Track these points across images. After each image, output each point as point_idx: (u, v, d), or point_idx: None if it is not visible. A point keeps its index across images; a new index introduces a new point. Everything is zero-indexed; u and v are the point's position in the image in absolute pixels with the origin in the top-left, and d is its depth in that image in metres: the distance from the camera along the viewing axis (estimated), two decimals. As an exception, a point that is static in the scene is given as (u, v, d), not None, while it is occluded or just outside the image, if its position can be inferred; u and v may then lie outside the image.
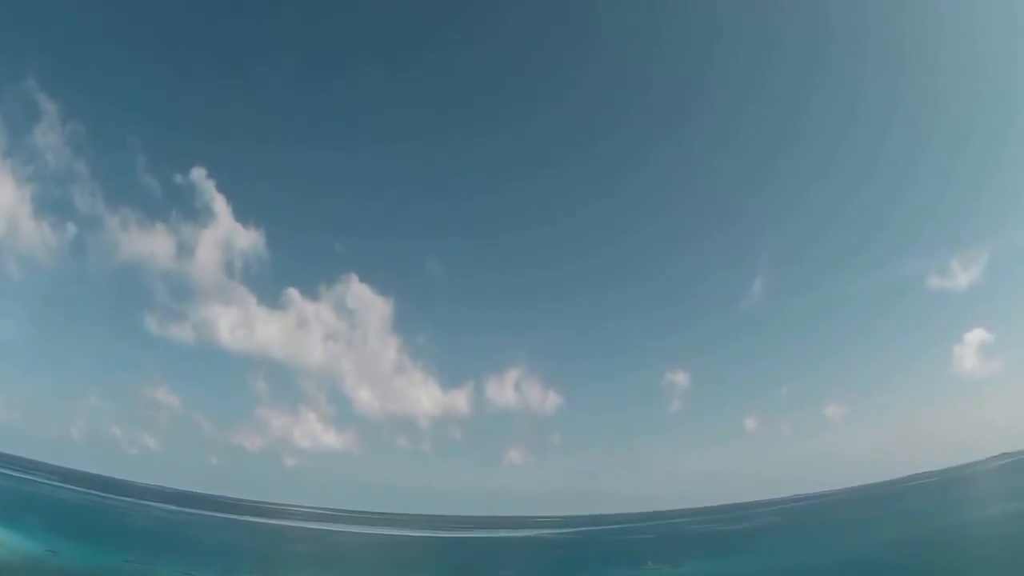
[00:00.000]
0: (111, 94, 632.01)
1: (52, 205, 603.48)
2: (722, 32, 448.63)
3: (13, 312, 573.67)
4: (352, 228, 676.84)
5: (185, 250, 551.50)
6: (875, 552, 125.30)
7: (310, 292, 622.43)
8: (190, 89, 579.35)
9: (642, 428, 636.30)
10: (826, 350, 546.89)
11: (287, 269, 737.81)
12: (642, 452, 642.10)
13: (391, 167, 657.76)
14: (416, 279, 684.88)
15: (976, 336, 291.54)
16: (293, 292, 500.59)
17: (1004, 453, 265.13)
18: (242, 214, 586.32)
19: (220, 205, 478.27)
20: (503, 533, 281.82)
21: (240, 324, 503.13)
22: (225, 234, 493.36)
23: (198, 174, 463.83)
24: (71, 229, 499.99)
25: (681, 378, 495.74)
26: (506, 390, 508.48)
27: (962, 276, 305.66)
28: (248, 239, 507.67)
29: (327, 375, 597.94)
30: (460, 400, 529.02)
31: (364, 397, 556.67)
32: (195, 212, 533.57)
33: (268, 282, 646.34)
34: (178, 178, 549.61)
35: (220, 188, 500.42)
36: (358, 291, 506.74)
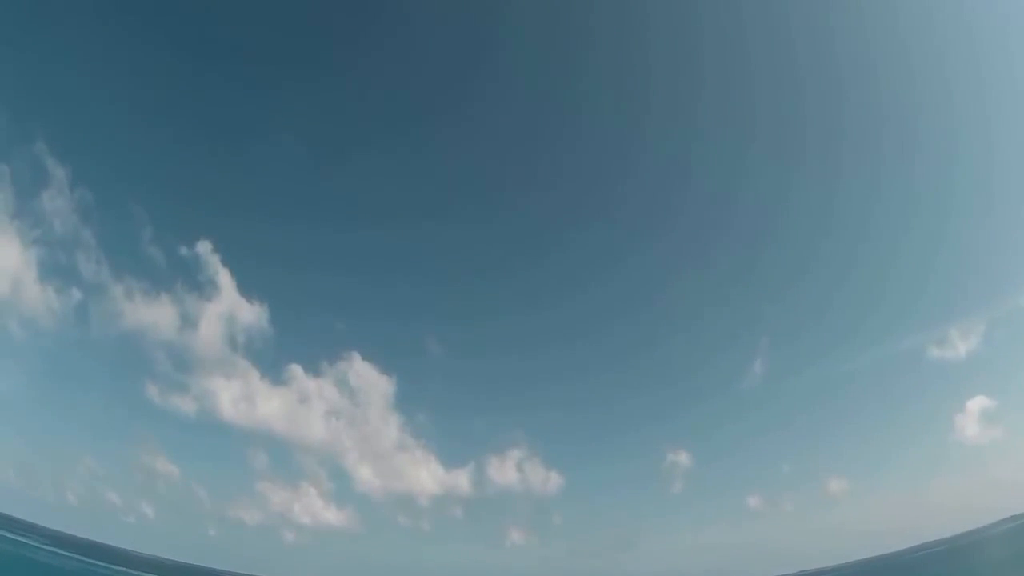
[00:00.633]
0: (120, 163, 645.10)
1: (57, 270, 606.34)
2: (710, 122, 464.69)
3: (14, 373, 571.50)
4: (355, 307, 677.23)
5: (188, 321, 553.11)
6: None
7: (312, 368, 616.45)
8: (198, 163, 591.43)
9: (644, 508, 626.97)
10: (826, 425, 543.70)
11: (290, 345, 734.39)
12: (645, 532, 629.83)
13: (394, 249, 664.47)
14: (418, 359, 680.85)
15: (977, 403, 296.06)
16: (295, 368, 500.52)
17: (1012, 516, 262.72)
18: (246, 289, 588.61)
19: (225, 279, 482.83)
20: None
21: (242, 397, 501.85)
22: (229, 308, 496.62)
23: (204, 247, 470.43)
24: (75, 295, 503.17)
25: (683, 458, 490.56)
26: (508, 470, 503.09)
27: (961, 345, 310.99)
28: (252, 314, 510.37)
29: (328, 451, 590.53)
30: (461, 479, 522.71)
31: (365, 474, 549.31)
32: (200, 285, 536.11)
33: (271, 357, 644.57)
34: (183, 250, 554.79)
35: (225, 262, 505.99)
36: (360, 369, 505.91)
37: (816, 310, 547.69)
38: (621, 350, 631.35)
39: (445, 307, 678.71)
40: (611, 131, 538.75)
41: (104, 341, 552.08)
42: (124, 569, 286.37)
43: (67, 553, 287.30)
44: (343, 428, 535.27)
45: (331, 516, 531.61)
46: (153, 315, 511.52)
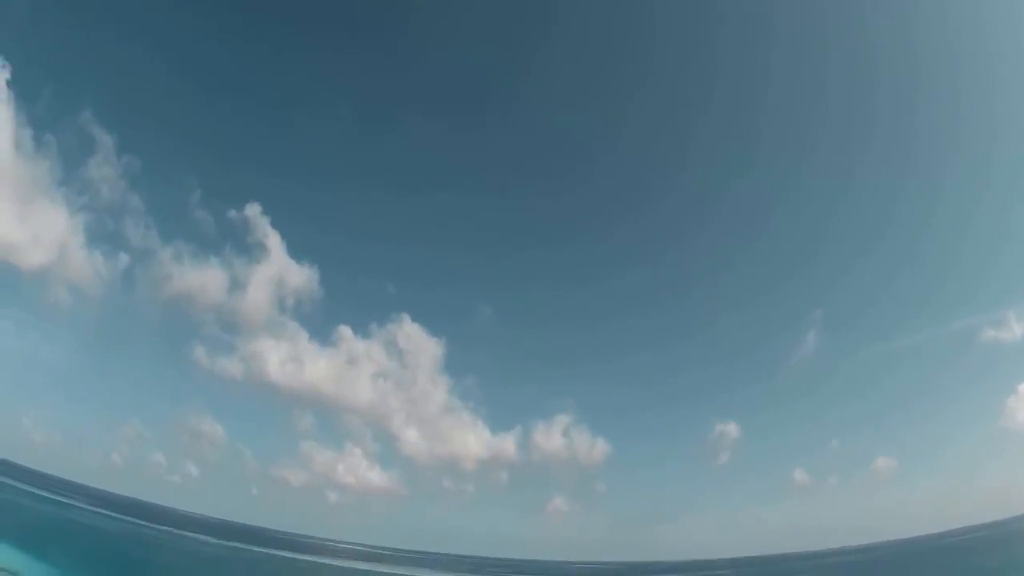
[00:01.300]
0: (168, 129, 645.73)
1: (105, 235, 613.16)
2: (772, 94, 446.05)
3: (62, 339, 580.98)
4: (405, 270, 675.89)
5: (237, 284, 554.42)
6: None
7: (361, 330, 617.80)
8: (247, 127, 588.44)
9: (690, 479, 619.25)
10: (877, 403, 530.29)
11: (339, 307, 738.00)
12: (689, 504, 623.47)
13: (447, 215, 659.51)
14: (468, 323, 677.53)
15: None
16: (344, 329, 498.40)
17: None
18: (296, 251, 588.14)
19: (274, 242, 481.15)
20: None
21: (289, 359, 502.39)
22: (278, 270, 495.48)
23: (253, 210, 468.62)
24: (123, 260, 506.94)
25: (731, 429, 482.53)
26: (554, 436, 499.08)
27: (1017, 328, 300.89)
28: (301, 276, 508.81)
29: (375, 413, 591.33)
30: (507, 444, 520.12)
31: (411, 437, 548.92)
32: (249, 247, 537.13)
33: (320, 319, 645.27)
34: (232, 213, 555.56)
35: (275, 225, 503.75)
36: (410, 331, 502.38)
37: (872, 286, 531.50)
38: (673, 321, 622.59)
39: (497, 273, 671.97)
40: (670, 101, 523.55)
41: (152, 305, 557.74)
42: (169, 528, 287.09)
43: (113, 514, 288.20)
44: (390, 390, 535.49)
45: (375, 478, 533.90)
46: (202, 278, 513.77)
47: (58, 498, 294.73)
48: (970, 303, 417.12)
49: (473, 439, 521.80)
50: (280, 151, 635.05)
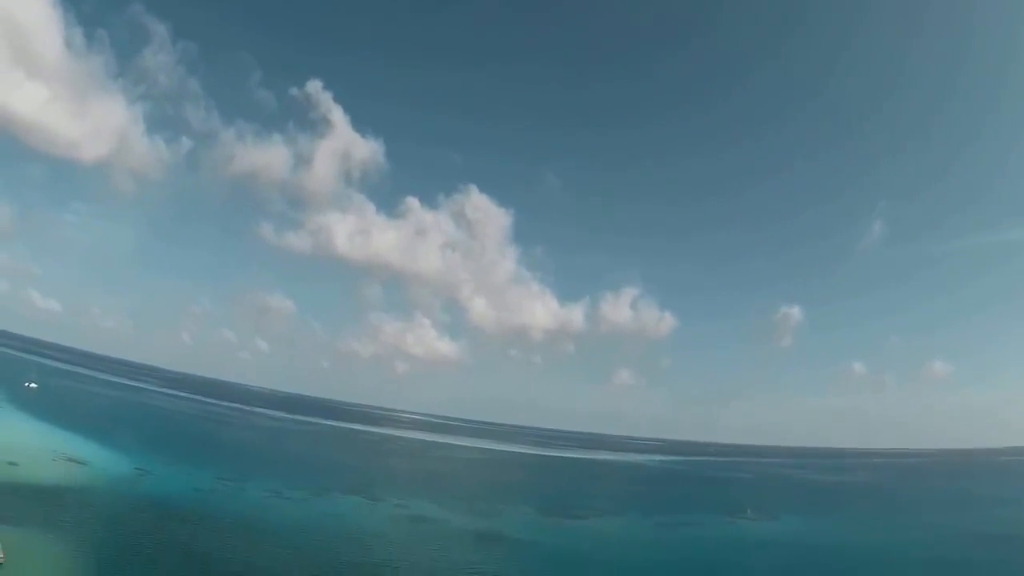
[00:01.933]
0: (222, 10, 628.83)
1: (165, 122, 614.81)
2: None
3: (128, 227, 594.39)
4: (472, 141, 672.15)
5: (302, 160, 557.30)
6: (978, 526, 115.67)
7: (429, 201, 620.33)
8: (305, 4, 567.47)
9: (752, 360, 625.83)
10: (938, 304, 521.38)
11: (406, 178, 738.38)
12: (750, 383, 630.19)
13: (515, 86, 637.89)
14: (537, 192, 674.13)
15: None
16: (412, 201, 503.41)
17: None
18: (361, 125, 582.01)
19: (338, 116, 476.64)
20: (607, 455, 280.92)
21: (357, 231, 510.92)
22: (343, 144, 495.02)
23: (314, 86, 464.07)
24: (185, 143, 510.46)
25: (794, 313, 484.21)
26: (621, 308, 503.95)
27: None
28: (367, 149, 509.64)
29: (443, 284, 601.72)
30: (575, 315, 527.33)
31: (479, 307, 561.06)
32: (312, 123, 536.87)
33: (386, 190, 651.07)
34: (294, 91, 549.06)
35: (337, 100, 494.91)
36: (478, 201, 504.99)
37: (944, 182, 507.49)
38: (744, 204, 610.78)
39: (566, 144, 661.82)
40: None
41: (216, 186, 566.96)
42: (239, 405, 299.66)
43: (183, 394, 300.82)
44: (459, 261, 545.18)
45: (444, 347, 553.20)
46: (266, 156, 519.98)
47: (129, 382, 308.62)
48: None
49: (541, 309, 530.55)
50: (340, 25, 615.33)
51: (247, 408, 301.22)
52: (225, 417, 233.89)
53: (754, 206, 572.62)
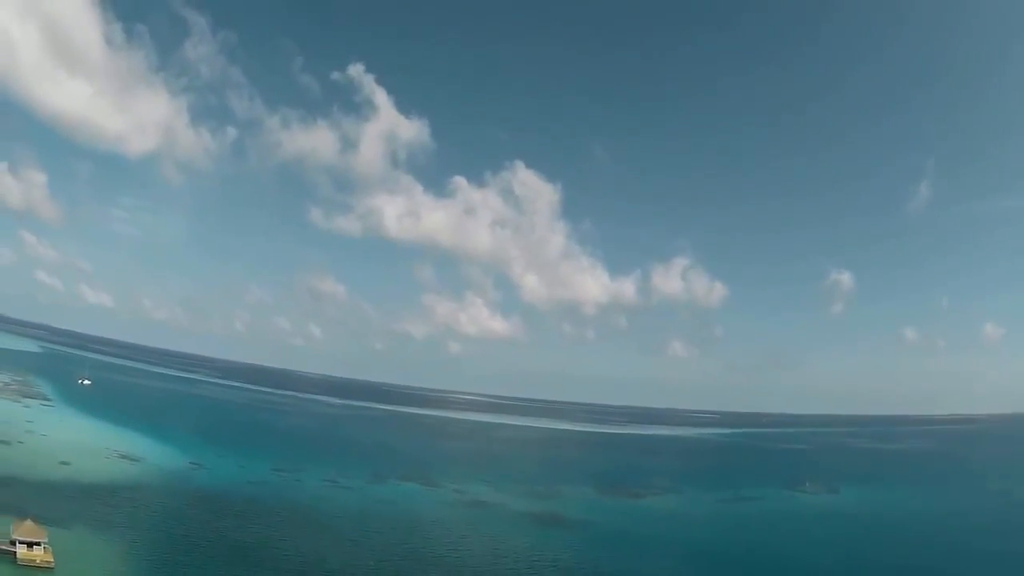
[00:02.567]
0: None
1: (209, 112, 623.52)
2: None
3: (177, 218, 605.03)
4: (518, 117, 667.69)
5: (348, 143, 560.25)
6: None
7: (476, 179, 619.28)
8: None
9: (804, 326, 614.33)
10: (989, 264, 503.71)
11: (452, 157, 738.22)
12: (802, 351, 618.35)
13: (558, 62, 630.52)
14: (584, 166, 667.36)
15: None
16: (459, 180, 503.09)
17: None
18: (404, 106, 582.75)
19: (381, 98, 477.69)
20: (663, 430, 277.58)
21: (406, 212, 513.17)
22: (388, 126, 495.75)
23: (356, 70, 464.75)
24: (230, 133, 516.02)
25: (845, 278, 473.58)
26: (672, 279, 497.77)
27: None
28: (412, 129, 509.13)
29: (494, 261, 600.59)
30: (626, 287, 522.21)
31: (531, 283, 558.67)
32: (356, 106, 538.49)
33: (434, 170, 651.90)
34: (336, 75, 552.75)
35: (380, 82, 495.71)
36: (524, 177, 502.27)
37: (990, 139, 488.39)
38: (788, 165, 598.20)
39: (611, 115, 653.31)
40: None
41: (264, 173, 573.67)
42: (293, 393, 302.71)
43: (236, 384, 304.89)
44: (508, 238, 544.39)
45: (496, 326, 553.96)
46: (311, 141, 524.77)
47: (182, 374, 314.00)
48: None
49: (592, 283, 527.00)
50: (379, 6, 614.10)
51: (301, 395, 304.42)
52: (279, 405, 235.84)
53: (802, 173, 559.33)
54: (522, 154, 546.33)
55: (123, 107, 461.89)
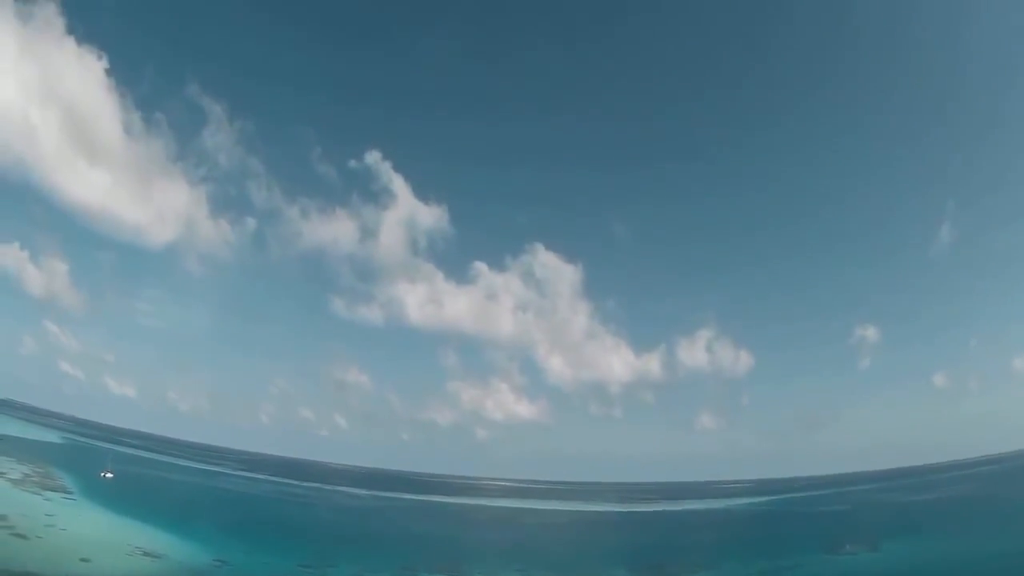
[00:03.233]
0: (276, 87, 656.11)
1: (229, 202, 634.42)
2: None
3: (199, 310, 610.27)
4: (534, 198, 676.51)
5: (368, 232, 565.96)
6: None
7: (497, 264, 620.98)
8: (357, 73, 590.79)
9: (832, 386, 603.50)
10: (1014, 295, 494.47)
11: (472, 242, 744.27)
12: (832, 410, 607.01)
13: (570, 139, 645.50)
14: (603, 244, 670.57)
15: None
16: (480, 265, 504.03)
17: None
18: (422, 192, 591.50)
19: (399, 185, 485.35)
20: (695, 504, 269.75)
21: (428, 300, 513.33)
22: (407, 213, 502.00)
23: (373, 157, 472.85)
24: (250, 223, 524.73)
25: (871, 333, 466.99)
26: (697, 352, 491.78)
27: None
28: (431, 216, 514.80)
29: (518, 345, 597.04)
30: (652, 364, 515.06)
31: (556, 365, 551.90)
32: (375, 194, 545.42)
33: (454, 256, 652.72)
34: (353, 163, 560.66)
35: (397, 168, 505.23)
36: (545, 259, 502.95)
37: (1006, 169, 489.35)
38: (808, 229, 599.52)
39: (628, 192, 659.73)
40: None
41: (284, 263, 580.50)
42: (318, 485, 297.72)
43: (261, 476, 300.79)
44: (532, 321, 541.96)
45: (523, 410, 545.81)
46: (331, 230, 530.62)
47: (207, 467, 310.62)
48: None
49: (617, 361, 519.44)
50: (395, 94, 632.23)
51: (327, 487, 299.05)
52: (305, 498, 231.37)
53: (820, 232, 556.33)
54: (541, 236, 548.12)
55: (143, 197, 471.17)
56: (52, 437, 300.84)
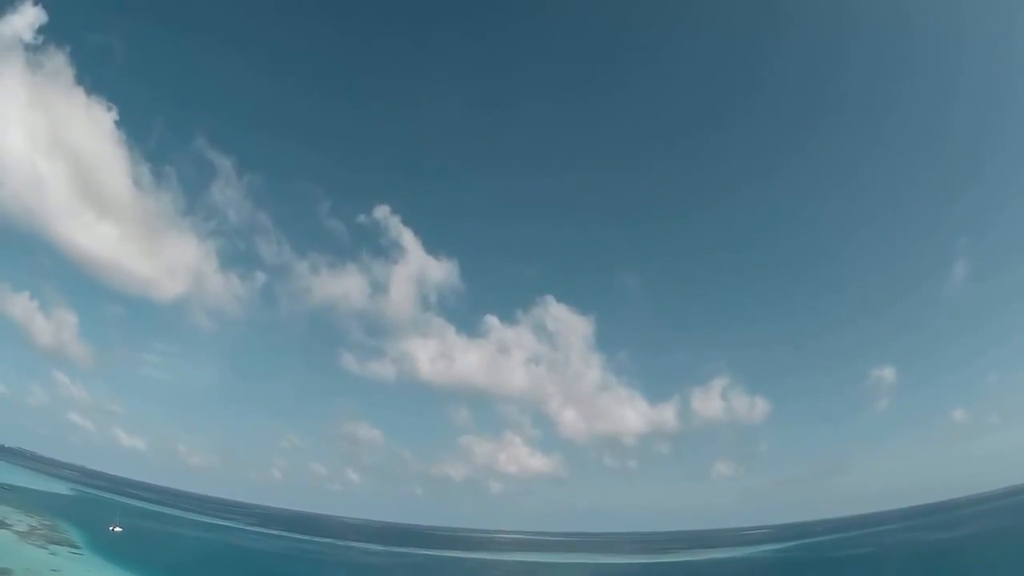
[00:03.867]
0: (285, 142, 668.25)
1: (237, 257, 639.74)
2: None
3: (208, 364, 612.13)
4: (545, 251, 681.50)
5: (378, 287, 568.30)
6: None
7: (508, 317, 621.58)
8: (365, 128, 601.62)
9: (851, 429, 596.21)
10: None
11: (483, 296, 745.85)
12: (851, 453, 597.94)
13: (580, 192, 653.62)
14: (614, 296, 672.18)
15: None
16: (491, 319, 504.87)
17: None
18: (432, 246, 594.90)
19: (408, 240, 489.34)
20: (714, 553, 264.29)
21: (439, 354, 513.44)
22: (417, 268, 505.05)
23: (382, 211, 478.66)
24: (259, 278, 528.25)
25: (887, 373, 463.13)
26: (712, 400, 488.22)
27: None
28: (441, 271, 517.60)
29: (530, 399, 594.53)
30: (666, 414, 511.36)
31: (569, 418, 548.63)
32: (384, 249, 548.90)
33: (465, 311, 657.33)
34: (362, 218, 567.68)
35: (407, 223, 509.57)
36: (556, 312, 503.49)
37: (1017, 200, 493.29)
38: (817, 267, 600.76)
39: (639, 244, 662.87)
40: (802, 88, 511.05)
41: (294, 319, 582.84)
42: (331, 540, 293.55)
43: (272, 531, 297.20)
44: (544, 374, 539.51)
45: (537, 463, 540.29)
46: (341, 286, 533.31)
47: (217, 521, 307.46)
48: None
49: (631, 413, 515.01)
50: (402, 149, 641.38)
51: (340, 543, 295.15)
52: (317, 554, 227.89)
53: (831, 276, 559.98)
54: (552, 288, 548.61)
55: (152, 251, 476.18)
56: (60, 488, 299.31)
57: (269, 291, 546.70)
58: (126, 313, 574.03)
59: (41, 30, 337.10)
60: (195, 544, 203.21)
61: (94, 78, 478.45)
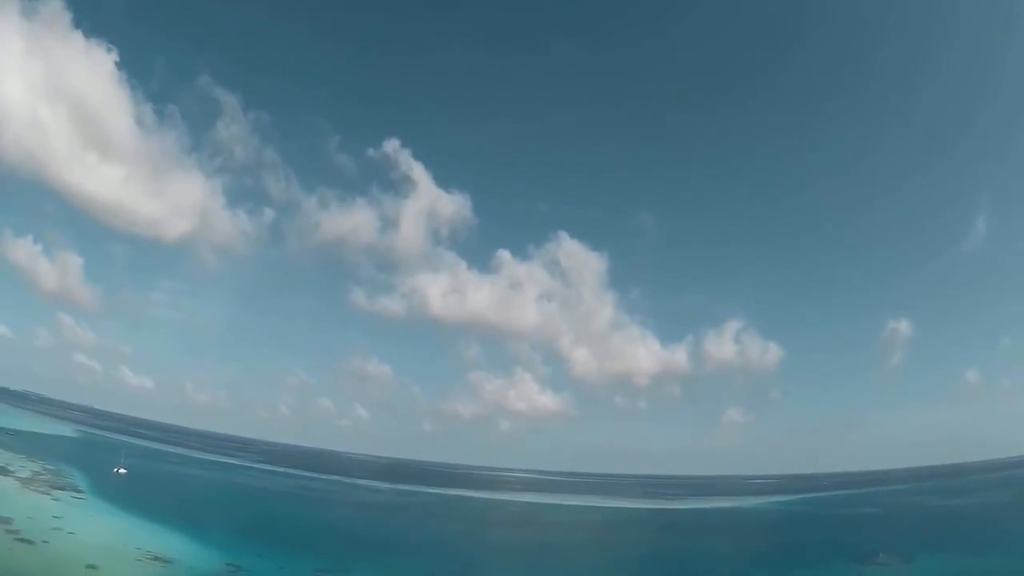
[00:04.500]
0: (291, 78, 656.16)
1: (245, 194, 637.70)
2: None
3: (216, 301, 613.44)
4: (559, 187, 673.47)
5: (388, 222, 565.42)
6: None
7: (520, 253, 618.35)
8: (374, 61, 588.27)
9: (864, 381, 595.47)
10: None
11: (495, 231, 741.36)
12: (863, 405, 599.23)
13: (598, 128, 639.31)
14: (629, 233, 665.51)
15: None
16: (503, 254, 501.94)
17: None
18: (444, 180, 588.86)
19: (419, 174, 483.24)
20: (721, 502, 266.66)
21: (450, 290, 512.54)
22: (428, 202, 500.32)
23: (392, 146, 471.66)
24: (268, 214, 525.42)
25: (903, 327, 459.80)
26: (725, 344, 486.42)
27: None
28: (453, 205, 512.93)
29: (542, 336, 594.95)
30: (678, 356, 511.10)
31: (580, 357, 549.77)
32: (394, 183, 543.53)
33: (476, 246, 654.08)
34: (372, 152, 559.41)
35: (417, 157, 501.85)
36: (570, 248, 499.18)
37: None
38: (838, 213, 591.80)
39: (654, 182, 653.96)
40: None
41: (303, 254, 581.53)
42: (338, 478, 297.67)
43: (279, 469, 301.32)
44: (556, 311, 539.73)
45: (547, 401, 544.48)
46: (350, 220, 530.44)
47: (224, 459, 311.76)
48: None
49: (643, 353, 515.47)
50: (413, 83, 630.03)
51: (347, 480, 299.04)
52: (324, 493, 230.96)
53: (852, 224, 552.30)
54: (566, 224, 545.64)
55: (157, 190, 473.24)
56: (66, 431, 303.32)
57: (277, 227, 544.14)
58: (133, 253, 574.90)
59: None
60: (199, 485, 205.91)
61: (92, 21, 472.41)
